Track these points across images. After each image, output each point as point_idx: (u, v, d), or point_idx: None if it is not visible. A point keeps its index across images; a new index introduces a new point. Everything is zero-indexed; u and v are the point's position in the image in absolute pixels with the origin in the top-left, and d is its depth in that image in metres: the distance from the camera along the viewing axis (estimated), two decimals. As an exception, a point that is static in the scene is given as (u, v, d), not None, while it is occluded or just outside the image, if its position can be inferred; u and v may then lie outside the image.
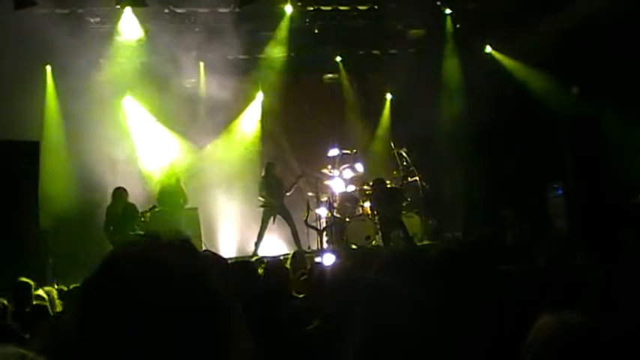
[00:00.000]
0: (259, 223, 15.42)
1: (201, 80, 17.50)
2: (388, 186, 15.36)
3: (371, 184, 15.43)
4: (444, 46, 17.46)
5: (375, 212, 15.08)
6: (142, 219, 13.90)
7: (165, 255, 1.53)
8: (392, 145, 17.42)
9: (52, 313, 7.51)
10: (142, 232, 13.50)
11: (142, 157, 16.48)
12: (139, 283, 1.48)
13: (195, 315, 1.48)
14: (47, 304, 7.83)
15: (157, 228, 14.11)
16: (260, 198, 15.47)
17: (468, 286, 1.67)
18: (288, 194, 15.48)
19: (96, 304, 1.50)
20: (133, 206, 14.05)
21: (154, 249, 1.55)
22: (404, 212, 15.40)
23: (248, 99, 17.81)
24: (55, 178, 15.36)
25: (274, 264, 7.37)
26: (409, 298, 1.59)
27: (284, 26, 16.95)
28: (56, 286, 10.40)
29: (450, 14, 17.05)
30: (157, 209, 14.58)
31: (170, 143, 16.80)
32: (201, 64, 17.28)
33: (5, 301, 7.48)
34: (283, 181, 15.71)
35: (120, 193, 14.15)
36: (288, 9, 16.43)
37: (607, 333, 1.62)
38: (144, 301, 1.46)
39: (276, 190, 15.42)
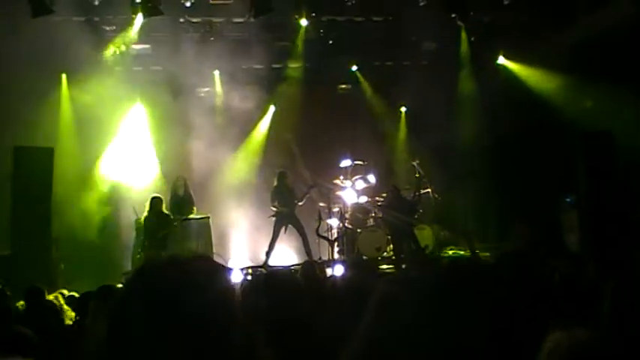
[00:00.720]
0: (271, 233, 15.44)
1: (215, 89, 17.58)
2: (402, 196, 15.38)
3: (386, 193, 15.47)
4: (459, 59, 17.45)
5: (384, 221, 15.09)
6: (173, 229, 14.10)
7: (194, 269, 1.56)
8: (405, 156, 17.45)
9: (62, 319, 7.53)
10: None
11: (151, 165, 16.49)
12: (168, 296, 1.50)
13: (222, 328, 1.50)
14: (59, 309, 7.85)
15: (182, 237, 14.32)
16: (272, 207, 15.47)
17: (479, 299, 1.67)
18: (300, 204, 15.47)
19: (125, 317, 1.52)
20: (169, 217, 14.20)
21: (184, 263, 1.57)
22: (417, 223, 15.41)
23: (262, 108, 17.82)
24: (69, 184, 15.46)
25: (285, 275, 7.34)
26: (419, 309, 1.59)
27: (299, 36, 17.03)
28: (66, 292, 10.44)
29: (465, 26, 17.03)
30: (185, 220, 14.74)
31: (178, 151, 16.78)
32: (216, 73, 17.35)
33: (19, 305, 7.53)
34: (295, 190, 15.72)
35: (156, 201, 14.27)
36: (304, 21, 16.54)
37: (620, 350, 1.62)
38: (172, 313, 1.48)
39: (288, 200, 15.41)
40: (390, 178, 16.86)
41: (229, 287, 1.61)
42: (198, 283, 1.54)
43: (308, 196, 15.62)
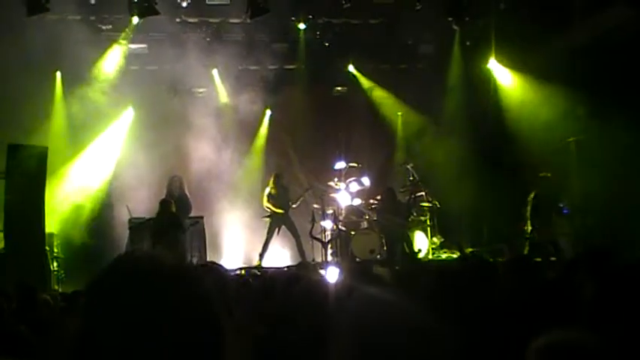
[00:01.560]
0: (264, 234, 15.48)
1: (212, 90, 17.56)
2: (397, 199, 15.44)
3: (380, 195, 15.52)
4: (453, 63, 17.47)
5: (378, 224, 15.13)
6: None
7: (162, 270, 1.56)
8: (399, 159, 17.53)
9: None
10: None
11: (145, 164, 16.42)
12: (136, 296, 1.51)
13: (189, 330, 1.50)
14: (53, 308, 7.83)
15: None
16: (266, 208, 15.53)
17: (468, 304, 1.67)
18: (294, 206, 15.53)
19: (96, 314, 1.52)
20: (180, 218, 14.24)
21: (153, 264, 1.58)
22: (411, 227, 15.46)
23: (258, 109, 17.79)
24: (62, 182, 15.47)
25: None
26: (404, 314, 1.60)
27: (296, 39, 17.08)
28: (60, 290, 10.42)
29: (460, 31, 17.04)
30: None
31: (174, 151, 16.73)
32: (212, 73, 17.35)
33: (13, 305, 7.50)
34: (290, 191, 15.77)
35: (167, 204, 14.29)
36: (302, 25, 16.59)
37: (599, 352, 1.63)
38: (140, 314, 1.48)
39: (283, 201, 15.47)
40: (384, 181, 16.89)
41: (202, 287, 1.61)
42: (170, 280, 1.55)
43: (302, 199, 15.69)
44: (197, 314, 1.53)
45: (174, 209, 14.28)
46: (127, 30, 15.92)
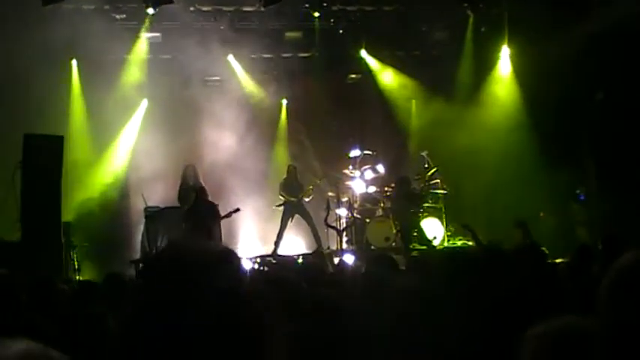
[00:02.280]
0: (279, 222, 15.55)
1: (226, 78, 17.54)
2: (411, 187, 15.42)
3: (394, 183, 15.52)
4: (466, 49, 17.36)
5: (393, 211, 15.14)
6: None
7: (205, 261, 1.56)
8: (414, 147, 17.49)
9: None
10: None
11: (159, 154, 16.45)
12: (179, 291, 1.50)
13: (231, 323, 1.50)
14: (69, 298, 7.86)
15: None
16: (279, 197, 15.61)
17: (480, 292, 1.68)
18: (306, 200, 15.63)
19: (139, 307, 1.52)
20: (214, 205, 14.35)
21: (195, 256, 1.57)
22: (425, 214, 15.44)
23: (272, 98, 17.81)
24: (78, 171, 15.54)
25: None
26: (419, 302, 1.60)
27: (310, 26, 17.05)
28: (77, 279, 10.46)
29: (474, 17, 16.93)
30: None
31: (188, 140, 16.76)
32: (226, 62, 17.34)
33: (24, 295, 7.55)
34: (303, 182, 15.87)
35: (202, 191, 14.41)
36: (315, 13, 16.57)
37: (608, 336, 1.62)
38: (183, 307, 1.48)
39: (296, 191, 15.57)
40: (399, 169, 16.86)
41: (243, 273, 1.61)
42: (219, 266, 1.54)
43: (314, 187, 15.77)
44: (239, 298, 1.52)
45: (208, 197, 14.44)
46: (143, 20, 15.95)
